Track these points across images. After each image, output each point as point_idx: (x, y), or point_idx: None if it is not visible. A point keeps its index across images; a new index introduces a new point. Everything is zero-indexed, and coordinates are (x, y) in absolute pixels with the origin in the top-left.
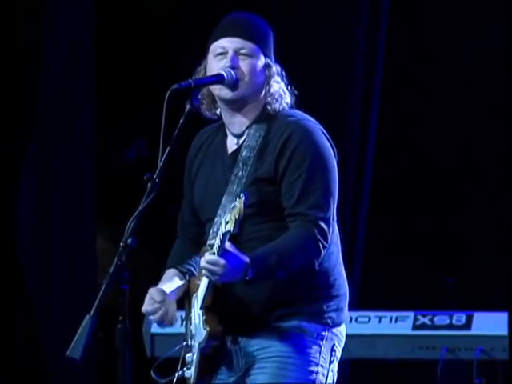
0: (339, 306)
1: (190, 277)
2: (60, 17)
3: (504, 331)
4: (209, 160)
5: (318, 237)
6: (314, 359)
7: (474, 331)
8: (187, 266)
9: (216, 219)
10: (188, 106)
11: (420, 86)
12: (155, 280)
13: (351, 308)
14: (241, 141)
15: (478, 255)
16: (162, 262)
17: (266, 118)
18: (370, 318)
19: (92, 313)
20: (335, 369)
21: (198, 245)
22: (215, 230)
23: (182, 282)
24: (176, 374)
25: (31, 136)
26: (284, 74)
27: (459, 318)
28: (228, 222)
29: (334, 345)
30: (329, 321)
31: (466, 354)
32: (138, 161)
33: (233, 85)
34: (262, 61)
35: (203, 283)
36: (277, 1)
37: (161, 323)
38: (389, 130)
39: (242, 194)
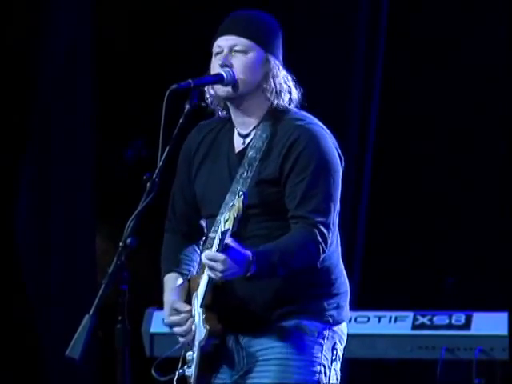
0: (340, 303)
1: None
2: (60, 17)
3: (503, 331)
4: (212, 155)
5: (319, 239)
6: (316, 359)
7: (473, 331)
8: (186, 266)
9: (218, 217)
10: (187, 106)
11: (420, 85)
12: (154, 280)
13: (350, 308)
14: (247, 141)
15: (477, 255)
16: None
17: (274, 118)
18: (369, 318)
19: (91, 313)
20: (338, 367)
21: (191, 240)
22: (216, 228)
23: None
24: (177, 373)
25: (31, 136)
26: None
27: (458, 317)
28: (227, 221)
29: (335, 343)
30: (330, 319)
31: (466, 354)
32: (138, 161)
33: (233, 84)
34: (258, 56)
35: (203, 281)
36: (277, 1)
37: (185, 335)
38: (388, 130)
39: (240, 193)
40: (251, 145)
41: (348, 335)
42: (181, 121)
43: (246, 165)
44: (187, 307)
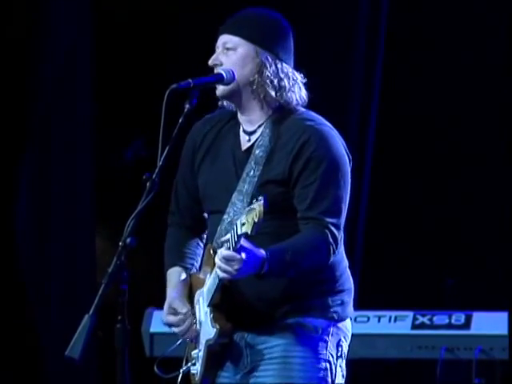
0: (344, 300)
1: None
2: (60, 17)
3: (503, 331)
4: (215, 149)
5: (331, 240)
6: (321, 356)
7: (473, 331)
8: (189, 260)
9: (225, 216)
10: (187, 106)
11: (420, 85)
12: (154, 280)
13: None
14: (253, 138)
15: (477, 255)
16: (161, 262)
17: (280, 116)
18: (369, 318)
19: (91, 312)
20: (343, 364)
21: (196, 233)
22: (223, 228)
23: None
24: (181, 370)
25: (30, 136)
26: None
27: (458, 317)
28: (244, 224)
29: (340, 340)
30: (334, 315)
31: (465, 354)
32: (137, 160)
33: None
34: (246, 50)
35: (211, 280)
36: (277, 1)
37: (183, 335)
38: (388, 130)
39: (260, 197)
40: (258, 143)
41: None
42: (180, 121)
43: (252, 163)
44: (185, 308)
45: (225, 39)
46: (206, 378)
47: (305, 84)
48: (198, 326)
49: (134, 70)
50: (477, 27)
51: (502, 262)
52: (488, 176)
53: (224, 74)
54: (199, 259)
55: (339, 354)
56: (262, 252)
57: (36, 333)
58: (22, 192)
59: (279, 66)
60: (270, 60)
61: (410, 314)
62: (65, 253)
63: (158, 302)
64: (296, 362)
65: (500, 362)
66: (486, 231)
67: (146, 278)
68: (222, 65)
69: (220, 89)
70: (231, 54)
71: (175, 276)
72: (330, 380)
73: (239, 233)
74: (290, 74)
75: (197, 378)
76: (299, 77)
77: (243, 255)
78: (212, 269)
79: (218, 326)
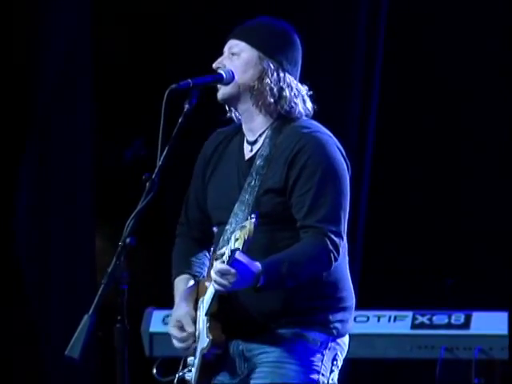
0: (345, 317)
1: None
2: (60, 18)
3: (503, 331)
4: (224, 162)
5: (331, 247)
6: (315, 367)
7: (472, 331)
8: (197, 268)
9: (227, 227)
10: (187, 106)
11: (419, 86)
12: (154, 280)
13: None
14: (255, 148)
15: (477, 255)
16: (161, 262)
17: (282, 125)
18: (368, 318)
19: (91, 312)
20: (335, 378)
21: (202, 245)
22: (225, 238)
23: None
24: (177, 375)
25: (30, 136)
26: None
27: (458, 317)
28: (237, 240)
29: (336, 354)
30: (334, 331)
31: (465, 354)
32: (137, 160)
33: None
34: (249, 56)
35: (210, 289)
36: (276, 1)
37: (182, 351)
38: (388, 130)
39: (252, 215)
40: (259, 153)
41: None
42: (180, 120)
43: (253, 173)
44: (191, 328)
45: (231, 44)
46: None
47: (310, 96)
48: (196, 333)
49: (133, 70)
50: (477, 27)
51: (502, 261)
52: (488, 176)
53: (223, 74)
54: (206, 269)
55: (333, 368)
56: (258, 265)
57: (36, 332)
58: (22, 192)
59: (281, 75)
60: (273, 68)
61: (410, 313)
62: (65, 253)
63: (158, 302)
64: (290, 368)
65: (499, 362)
66: (485, 231)
67: (145, 278)
68: (224, 68)
69: (220, 91)
70: (235, 59)
71: (182, 284)
72: None
73: (232, 248)
74: (293, 85)
75: None
76: (303, 89)
77: (236, 271)
78: None
79: (211, 337)
